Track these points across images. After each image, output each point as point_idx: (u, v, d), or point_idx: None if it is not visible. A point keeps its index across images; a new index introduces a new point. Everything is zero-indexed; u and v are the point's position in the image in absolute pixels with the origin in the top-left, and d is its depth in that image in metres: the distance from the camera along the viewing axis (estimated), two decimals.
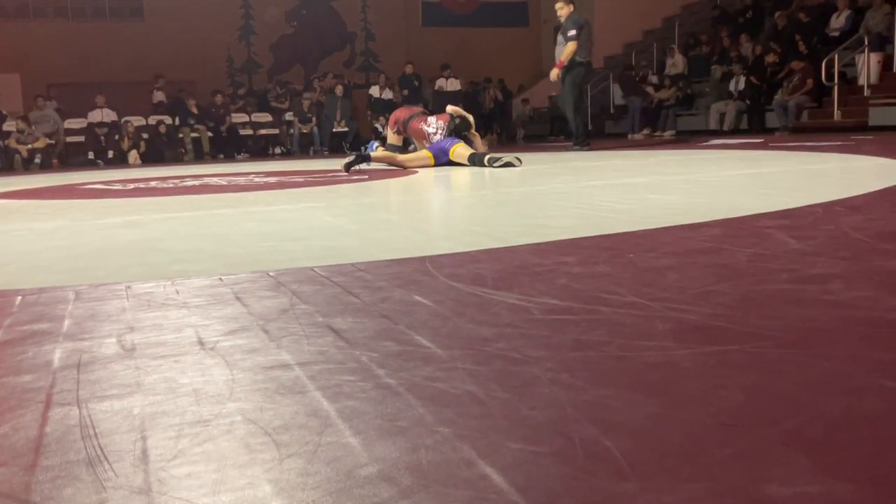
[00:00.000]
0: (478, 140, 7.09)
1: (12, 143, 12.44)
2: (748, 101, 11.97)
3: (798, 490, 0.70)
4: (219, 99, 14.32)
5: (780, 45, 11.94)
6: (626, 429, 0.86)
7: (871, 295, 1.42)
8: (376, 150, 7.09)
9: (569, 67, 8.24)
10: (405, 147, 7.57)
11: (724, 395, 0.95)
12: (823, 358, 1.08)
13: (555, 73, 8.30)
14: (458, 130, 6.88)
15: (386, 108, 14.62)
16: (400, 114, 7.49)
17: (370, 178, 5.81)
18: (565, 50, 8.10)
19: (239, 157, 13.92)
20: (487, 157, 6.38)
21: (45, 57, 14.79)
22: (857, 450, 0.78)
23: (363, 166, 6.77)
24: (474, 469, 0.78)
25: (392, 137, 7.42)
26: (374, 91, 14.97)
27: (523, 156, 7.69)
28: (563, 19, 8.24)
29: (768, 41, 12.34)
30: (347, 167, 6.48)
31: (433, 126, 7.03)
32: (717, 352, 1.13)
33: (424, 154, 6.84)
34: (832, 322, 1.26)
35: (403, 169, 6.66)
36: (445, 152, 6.72)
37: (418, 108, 7.86)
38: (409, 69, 14.64)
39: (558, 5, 8.32)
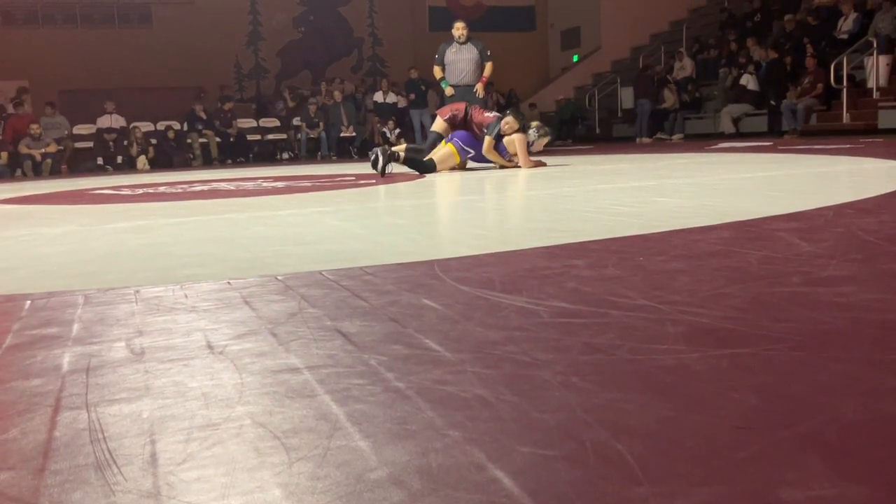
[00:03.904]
0: (512, 146, 6.89)
1: (23, 148, 12.49)
2: (772, 103, 11.84)
3: (813, 494, 0.69)
4: (227, 106, 14.37)
5: (788, 48, 11.88)
6: (638, 432, 0.85)
7: (884, 297, 1.41)
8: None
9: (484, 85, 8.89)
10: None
11: (736, 398, 0.94)
12: (836, 360, 1.07)
13: (482, 88, 8.54)
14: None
15: (390, 112, 14.62)
16: (458, 105, 7.50)
17: (378, 183, 5.81)
18: (488, 68, 8.68)
19: (243, 160, 13.94)
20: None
21: (53, 64, 14.86)
22: (872, 452, 0.77)
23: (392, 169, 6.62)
24: (484, 473, 0.77)
25: (439, 124, 7.40)
26: (378, 96, 14.97)
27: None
28: (462, 38, 8.68)
29: (777, 45, 12.29)
30: (382, 170, 6.32)
31: (488, 114, 7.13)
32: (729, 355, 1.12)
33: (450, 150, 6.81)
34: (845, 324, 1.25)
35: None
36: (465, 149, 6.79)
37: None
38: (413, 74, 14.63)
39: (461, 25, 8.72)
